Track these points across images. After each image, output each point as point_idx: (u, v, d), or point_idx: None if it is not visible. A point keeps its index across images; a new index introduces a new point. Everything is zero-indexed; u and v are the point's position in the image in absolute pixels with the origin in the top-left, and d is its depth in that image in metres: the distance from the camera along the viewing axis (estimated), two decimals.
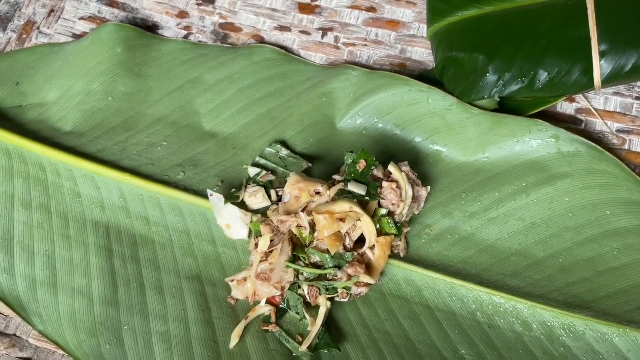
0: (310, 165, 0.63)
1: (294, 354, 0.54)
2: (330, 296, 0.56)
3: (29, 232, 0.59)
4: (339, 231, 0.55)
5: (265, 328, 0.55)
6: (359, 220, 0.55)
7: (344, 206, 0.55)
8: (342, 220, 0.55)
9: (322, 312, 0.55)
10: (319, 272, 0.55)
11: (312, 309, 0.56)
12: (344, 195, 0.56)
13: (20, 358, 0.56)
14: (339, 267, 0.55)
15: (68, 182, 0.62)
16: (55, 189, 0.62)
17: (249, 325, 0.56)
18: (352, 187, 0.57)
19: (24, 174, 0.62)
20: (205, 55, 0.71)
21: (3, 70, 0.69)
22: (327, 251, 0.55)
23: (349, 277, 0.55)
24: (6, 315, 0.58)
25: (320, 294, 0.55)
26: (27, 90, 0.68)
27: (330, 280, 0.55)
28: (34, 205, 0.61)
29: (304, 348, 0.54)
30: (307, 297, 0.55)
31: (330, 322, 0.56)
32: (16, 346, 0.57)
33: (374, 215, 0.56)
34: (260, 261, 0.55)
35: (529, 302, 0.57)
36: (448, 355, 0.55)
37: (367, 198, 0.56)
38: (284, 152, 0.64)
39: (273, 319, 0.55)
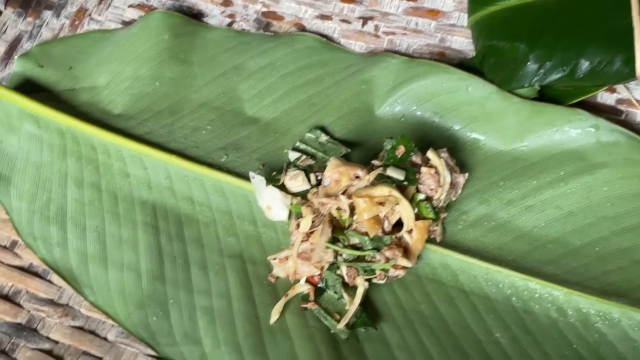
0: (349, 150, 0.65)
1: (332, 331, 0.56)
2: (367, 277, 0.57)
3: (80, 208, 0.62)
4: (378, 215, 0.56)
5: (304, 305, 0.57)
6: (398, 204, 0.57)
7: (383, 190, 0.56)
8: (381, 204, 0.56)
9: (360, 292, 0.57)
10: (357, 253, 0.56)
11: (350, 289, 0.57)
12: (382, 179, 0.58)
13: (72, 326, 0.59)
14: (377, 249, 0.56)
15: (117, 162, 0.65)
16: (105, 168, 0.64)
17: (288, 303, 0.58)
18: (391, 172, 0.58)
19: (76, 154, 0.65)
20: (248, 42, 0.73)
21: (57, 55, 0.72)
22: (366, 234, 0.56)
23: (387, 259, 0.56)
24: (59, 286, 0.61)
25: (358, 275, 0.57)
26: (79, 74, 0.71)
27: (368, 261, 0.57)
28: (86, 183, 0.63)
29: (341, 325, 0.55)
30: (345, 277, 0.57)
31: (367, 303, 0.58)
32: (69, 315, 0.60)
33: (411, 200, 0.58)
34: (302, 241, 0.57)
35: (565, 289, 0.57)
36: (482, 338, 0.56)
37: (405, 183, 0.58)
38: (324, 137, 0.65)
39: (312, 297, 0.57)
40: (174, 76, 0.70)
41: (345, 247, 0.57)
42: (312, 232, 0.57)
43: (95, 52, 0.72)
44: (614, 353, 0.55)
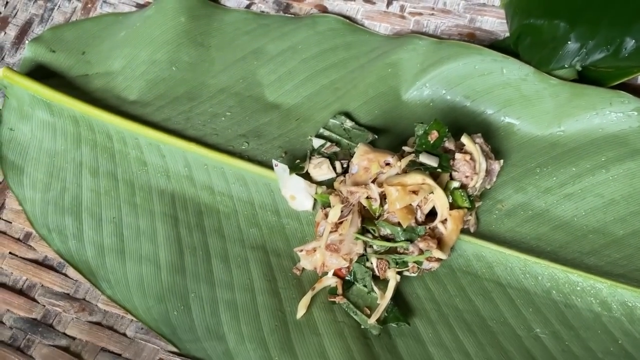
0: (376, 137, 0.62)
1: (362, 326, 0.53)
2: (399, 270, 0.54)
3: (96, 198, 0.60)
4: (411, 204, 0.53)
5: (332, 299, 0.54)
6: (431, 193, 0.54)
7: (416, 178, 0.53)
8: (414, 192, 0.53)
9: (392, 285, 0.54)
10: (390, 244, 0.53)
11: (380, 282, 0.55)
12: (414, 166, 0.55)
13: (90, 322, 0.57)
14: (410, 240, 0.53)
15: (134, 150, 0.62)
16: (121, 156, 0.62)
17: (315, 297, 0.55)
18: (424, 159, 0.55)
19: (91, 142, 0.62)
20: (267, 25, 0.70)
21: (69, 40, 0.69)
22: (398, 224, 0.53)
23: (421, 251, 0.53)
24: (75, 280, 0.59)
25: (389, 267, 0.54)
26: (92, 59, 0.68)
27: (400, 253, 0.54)
28: (101, 172, 0.61)
29: (372, 320, 0.53)
30: (376, 270, 0.54)
31: (397, 296, 0.55)
32: (85, 310, 0.57)
33: (445, 188, 0.54)
34: (330, 232, 0.54)
35: (609, 281, 0.54)
36: (522, 333, 0.53)
37: (438, 170, 0.55)
38: (349, 123, 0.62)
39: (340, 291, 0.54)
40: (192, 61, 0.67)
41: (375, 238, 0.54)
42: (340, 223, 0.54)
43: (109, 36, 0.69)
44: None
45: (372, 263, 0.54)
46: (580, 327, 0.54)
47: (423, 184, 0.53)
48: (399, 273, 0.55)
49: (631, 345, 0.53)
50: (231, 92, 0.66)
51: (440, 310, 0.55)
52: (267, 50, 0.68)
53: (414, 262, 0.54)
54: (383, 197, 0.54)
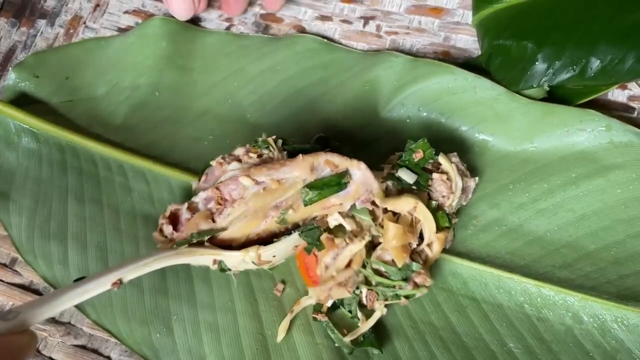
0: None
1: (336, 344, 0.55)
2: (387, 303, 0.55)
3: (81, 224, 0.61)
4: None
5: (315, 315, 0.55)
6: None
7: (409, 202, 0.54)
8: (410, 230, 0.53)
9: (376, 316, 0.55)
10: (387, 282, 0.54)
11: (364, 307, 0.56)
12: (390, 180, 0.55)
13: (75, 345, 0.58)
14: (405, 279, 0.54)
15: (119, 177, 0.63)
16: (106, 183, 0.63)
17: (295, 319, 0.56)
18: (402, 174, 0.55)
19: (77, 169, 0.63)
20: (247, 46, 0.71)
21: (53, 65, 0.70)
22: (393, 262, 0.53)
23: (416, 285, 0.54)
24: None
25: (377, 299, 0.55)
26: (76, 85, 0.69)
27: (393, 288, 0.54)
28: (87, 198, 0.62)
29: (347, 339, 0.54)
30: (364, 299, 0.55)
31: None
32: (71, 334, 0.59)
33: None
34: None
35: (580, 294, 0.56)
36: (495, 349, 0.55)
37: (414, 187, 0.56)
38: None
39: (324, 309, 0.55)
40: (174, 84, 0.69)
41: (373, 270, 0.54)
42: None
43: (92, 61, 0.71)
44: None
45: (361, 292, 0.55)
46: (552, 340, 0.55)
47: (415, 207, 0.54)
48: (386, 306, 0.55)
49: (602, 357, 0.54)
50: (213, 114, 0.67)
51: (416, 327, 0.56)
52: (247, 70, 0.69)
53: (405, 296, 0.54)
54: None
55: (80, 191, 0.62)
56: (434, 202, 0.56)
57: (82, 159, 0.64)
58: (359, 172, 0.52)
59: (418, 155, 0.57)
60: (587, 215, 0.59)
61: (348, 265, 0.54)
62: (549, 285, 0.56)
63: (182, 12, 0.67)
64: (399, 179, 0.55)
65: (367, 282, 0.54)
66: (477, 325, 0.56)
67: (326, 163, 0.52)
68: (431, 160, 0.57)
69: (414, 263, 0.54)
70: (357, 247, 0.53)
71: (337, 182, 0.52)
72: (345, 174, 0.52)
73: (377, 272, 0.54)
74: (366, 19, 0.72)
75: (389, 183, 0.56)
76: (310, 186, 0.51)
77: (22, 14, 0.76)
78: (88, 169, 0.63)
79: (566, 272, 0.58)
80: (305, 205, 0.52)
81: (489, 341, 0.55)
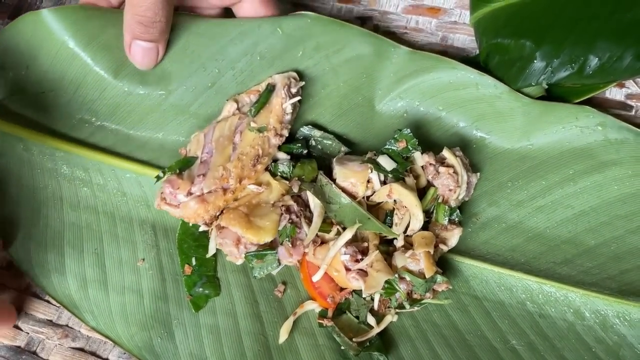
0: (349, 150, 0.61)
1: (342, 347, 0.54)
2: (399, 312, 0.56)
3: (78, 232, 0.59)
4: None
5: (320, 321, 0.55)
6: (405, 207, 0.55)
7: (385, 188, 0.55)
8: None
9: (387, 320, 0.55)
10: (416, 298, 0.54)
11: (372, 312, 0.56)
12: (369, 162, 0.55)
13: (72, 347, 0.57)
14: (427, 289, 0.54)
15: (112, 182, 0.62)
16: (100, 189, 0.61)
17: (297, 320, 0.56)
18: (382, 160, 0.56)
19: (69, 176, 0.61)
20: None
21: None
22: (419, 273, 0.54)
23: (434, 293, 0.55)
24: (58, 306, 0.59)
25: (389, 306, 0.55)
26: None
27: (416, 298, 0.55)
28: (82, 206, 0.61)
29: (354, 343, 0.53)
30: (376, 305, 0.55)
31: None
32: (69, 336, 0.58)
33: (427, 200, 0.56)
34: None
35: (581, 290, 0.56)
36: (498, 346, 0.55)
37: (390, 175, 0.55)
38: (317, 133, 0.62)
39: (330, 315, 0.55)
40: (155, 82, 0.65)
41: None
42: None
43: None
44: (635, 355, 0.54)
45: (373, 298, 0.55)
46: (554, 336, 0.55)
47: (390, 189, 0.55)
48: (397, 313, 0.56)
49: (604, 353, 0.54)
50: (190, 112, 0.63)
51: (419, 326, 0.56)
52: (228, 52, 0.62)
53: (419, 304, 0.55)
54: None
55: (75, 199, 0.60)
56: (439, 197, 0.56)
57: (73, 167, 0.61)
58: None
59: (401, 145, 0.57)
60: (585, 212, 0.59)
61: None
62: (550, 282, 0.57)
63: (145, 65, 0.64)
64: (377, 164, 0.55)
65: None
66: (479, 323, 0.56)
67: (247, 94, 0.61)
68: (414, 150, 0.57)
69: (438, 276, 0.53)
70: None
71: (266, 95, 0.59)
72: (267, 85, 0.60)
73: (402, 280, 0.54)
74: (364, 19, 0.72)
75: (372, 176, 0.56)
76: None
77: (17, 15, 0.74)
78: (80, 176, 0.61)
79: (567, 269, 0.58)
80: (254, 115, 0.58)
81: (491, 338, 0.55)
